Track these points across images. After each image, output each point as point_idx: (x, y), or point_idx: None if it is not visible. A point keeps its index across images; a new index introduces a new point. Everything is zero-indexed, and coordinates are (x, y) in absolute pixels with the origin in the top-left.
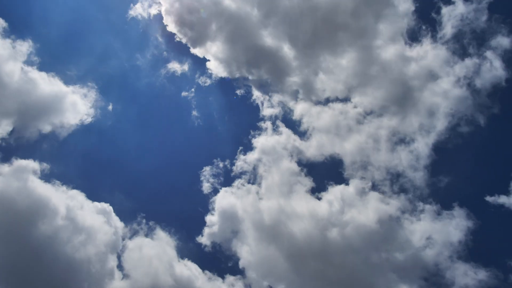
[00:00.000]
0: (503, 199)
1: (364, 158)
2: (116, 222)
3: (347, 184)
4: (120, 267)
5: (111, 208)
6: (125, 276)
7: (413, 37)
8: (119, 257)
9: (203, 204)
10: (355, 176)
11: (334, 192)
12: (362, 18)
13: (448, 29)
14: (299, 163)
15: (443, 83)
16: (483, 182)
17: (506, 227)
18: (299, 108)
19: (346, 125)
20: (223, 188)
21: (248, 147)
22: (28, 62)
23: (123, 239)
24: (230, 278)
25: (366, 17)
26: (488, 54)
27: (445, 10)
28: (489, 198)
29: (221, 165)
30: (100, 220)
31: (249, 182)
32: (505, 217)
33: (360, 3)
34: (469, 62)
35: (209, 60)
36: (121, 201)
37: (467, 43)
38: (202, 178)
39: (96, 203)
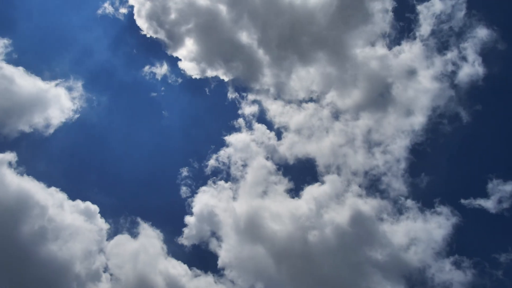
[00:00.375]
0: (482, 198)
1: (341, 157)
2: (99, 221)
3: (322, 183)
4: (105, 267)
5: (95, 207)
6: (111, 276)
7: (390, 36)
8: (104, 257)
9: (183, 204)
10: (331, 176)
11: (311, 191)
12: (338, 18)
13: (425, 26)
14: (275, 162)
15: (421, 82)
16: (464, 180)
17: (487, 225)
18: (274, 108)
19: (322, 125)
20: (201, 188)
21: (223, 147)
22: None
23: (107, 239)
24: (212, 276)
25: (342, 16)
26: (467, 50)
27: (422, 7)
28: (465, 201)
29: (196, 165)
30: (82, 219)
31: (226, 181)
32: (485, 215)
33: (337, 3)
34: (447, 59)
35: (181, 60)
36: (103, 200)
37: (445, 40)
38: (180, 178)
39: (78, 202)
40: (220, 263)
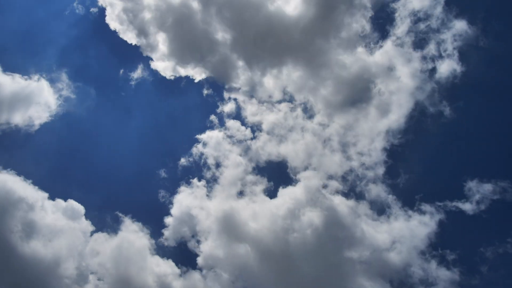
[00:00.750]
0: (461, 198)
1: (317, 157)
2: (83, 221)
3: (297, 183)
4: (88, 267)
5: (79, 206)
6: (94, 276)
7: (366, 34)
8: (88, 257)
9: (162, 204)
10: (307, 176)
11: (286, 191)
12: (313, 16)
13: (402, 23)
14: (250, 161)
15: (398, 80)
16: (443, 179)
17: (467, 225)
18: (249, 107)
19: (298, 125)
20: (178, 187)
21: (198, 145)
22: None
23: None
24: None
25: (318, 15)
26: (446, 46)
27: (398, 4)
28: (445, 201)
29: (173, 165)
30: (64, 219)
31: (199, 179)
32: (465, 215)
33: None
34: (425, 56)
35: (153, 60)
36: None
37: (422, 37)
38: (158, 178)
39: (59, 201)
40: (200, 261)
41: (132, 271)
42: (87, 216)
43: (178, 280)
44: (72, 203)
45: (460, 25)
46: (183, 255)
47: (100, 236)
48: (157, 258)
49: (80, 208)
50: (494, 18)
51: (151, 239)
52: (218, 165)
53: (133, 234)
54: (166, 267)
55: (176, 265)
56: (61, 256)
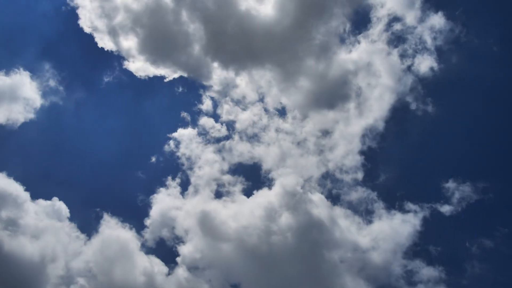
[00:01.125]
0: (441, 199)
1: (294, 158)
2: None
3: (272, 184)
4: (74, 265)
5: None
6: (81, 274)
7: (342, 32)
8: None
9: (140, 204)
10: (283, 177)
11: (262, 193)
12: (289, 19)
13: (379, 20)
14: (226, 161)
15: (376, 78)
16: (422, 179)
17: (447, 226)
18: (225, 108)
19: (273, 125)
20: (156, 187)
21: (173, 144)
22: None
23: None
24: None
25: (293, 17)
26: (423, 43)
27: (376, 1)
28: (424, 201)
29: (148, 164)
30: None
31: (173, 178)
32: (445, 215)
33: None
34: (403, 54)
35: (126, 59)
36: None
37: (400, 34)
38: (135, 177)
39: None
40: (180, 261)
41: (116, 268)
42: (70, 214)
43: (163, 277)
44: (55, 201)
45: (438, 21)
46: (165, 254)
47: (82, 235)
48: (141, 255)
49: (63, 207)
50: (472, 13)
51: (134, 237)
52: (192, 164)
53: (114, 232)
54: (149, 264)
55: (163, 262)
56: (45, 255)
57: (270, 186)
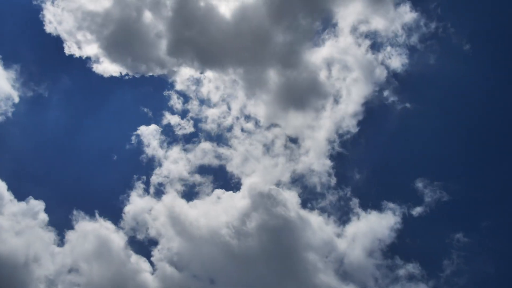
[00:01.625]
0: (414, 199)
1: (262, 158)
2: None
3: (238, 188)
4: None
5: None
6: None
7: (308, 32)
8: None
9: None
10: (251, 178)
11: (230, 194)
12: (258, 17)
13: (346, 17)
14: (192, 162)
15: (345, 75)
16: (393, 179)
17: (419, 226)
18: (190, 107)
19: (239, 126)
20: (130, 187)
21: (137, 142)
22: None
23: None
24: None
25: (262, 15)
26: (394, 40)
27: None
28: (393, 201)
29: (120, 163)
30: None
31: (140, 178)
32: (420, 214)
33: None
34: (370, 52)
35: (90, 59)
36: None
37: (368, 32)
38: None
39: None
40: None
41: (96, 266)
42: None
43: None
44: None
45: (410, 16)
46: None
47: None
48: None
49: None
50: (446, 7)
51: (110, 234)
52: (157, 163)
53: (89, 230)
54: (127, 260)
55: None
56: (22, 255)
57: (237, 187)
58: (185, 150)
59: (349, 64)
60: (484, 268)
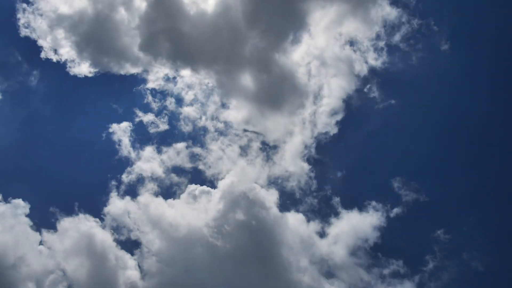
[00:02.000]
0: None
1: (241, 160)
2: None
3: (215, 186)
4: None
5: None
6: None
7: (281, 31)
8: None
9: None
10: (227, 179)
11: (208, 194)
12: (234, 17)
13: (320, 16)
14: (164, 163)
15: (321, 77)
16: (371, 178)
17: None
18: (165, 105)
19: (214, 126)
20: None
21: (114, 140)
22: None
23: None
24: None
25: (239, 14)
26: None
27: None
28: (372, 200)
29: (99, 162)
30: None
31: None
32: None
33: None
34: (354, 50)
35: (61, 61)
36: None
37: (345, 30)
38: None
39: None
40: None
41: (82, 264)
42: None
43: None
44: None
45: (392, 15)
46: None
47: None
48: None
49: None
50: (426, 6)
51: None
52: (132, 161)
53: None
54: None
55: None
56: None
57: (213, 187)
58: (159, 150)
59: (328, 62)
60: (466, 262)
